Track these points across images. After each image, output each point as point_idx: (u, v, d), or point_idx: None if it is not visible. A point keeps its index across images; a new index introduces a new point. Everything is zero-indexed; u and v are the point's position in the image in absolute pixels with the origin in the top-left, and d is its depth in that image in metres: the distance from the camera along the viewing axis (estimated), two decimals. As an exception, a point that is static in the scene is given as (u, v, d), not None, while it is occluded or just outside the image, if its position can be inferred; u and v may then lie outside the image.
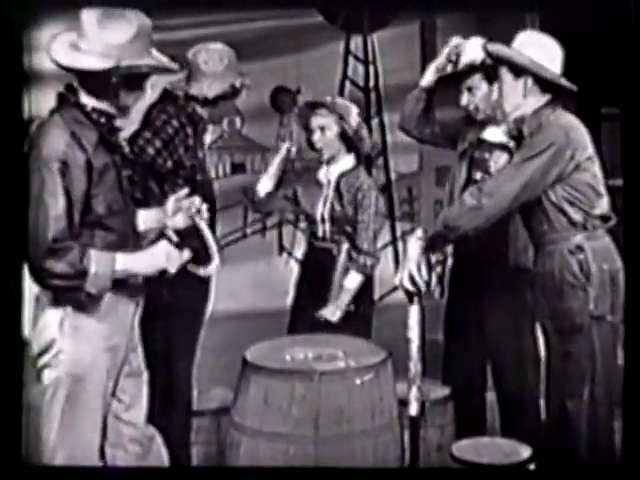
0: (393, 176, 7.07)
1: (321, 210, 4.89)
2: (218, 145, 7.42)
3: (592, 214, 3.87)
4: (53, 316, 3.46)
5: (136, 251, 3.56)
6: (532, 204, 3.91)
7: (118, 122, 3.61)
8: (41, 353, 3.46)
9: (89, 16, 3.41)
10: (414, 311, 3.90)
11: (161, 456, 3.84)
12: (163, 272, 3.58)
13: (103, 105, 3.50)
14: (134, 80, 3.51)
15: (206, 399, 4.54)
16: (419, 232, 3.92)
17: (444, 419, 4.42)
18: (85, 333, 3.48)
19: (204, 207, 3.83)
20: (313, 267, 4.96)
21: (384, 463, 3.82)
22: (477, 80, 4.62)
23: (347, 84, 7.85)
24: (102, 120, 3.50)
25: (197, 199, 3.83)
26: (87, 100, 3.49)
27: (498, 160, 4.55)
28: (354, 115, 4.90)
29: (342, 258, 4.87)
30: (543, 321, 4.07)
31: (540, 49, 3.93)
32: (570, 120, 3.92)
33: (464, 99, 4.68)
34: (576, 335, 3.85)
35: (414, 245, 3.91)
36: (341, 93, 7.85)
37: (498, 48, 4.06)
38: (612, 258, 3.87)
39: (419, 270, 3.90)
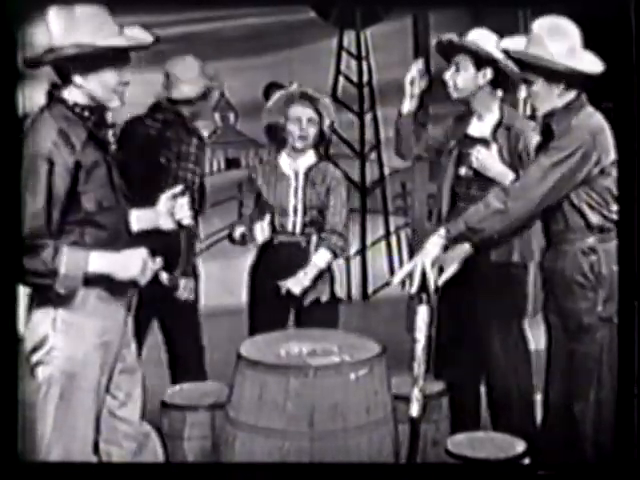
0: (386, 171, 7.09)
1: (293, 201, 4.90)
2: (212, 140, 7.43)
3: (609, 217, 3.85)
4: (45, 313, 3.46)
5: (114, 251, 3.52)
6: (552, 205, 3.90)
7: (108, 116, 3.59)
8: (34, 350, 3.47)
9: (51, 12, 3.39)
10: (423, 311, 3.86)
11: (157, 453, 3.84)
12: (134, 282, 3.55)
13: (78, 98, 3.47)
14: (86, 66, 3.44)
15: (201, 394, 4.54)
16: (442, 231, 3.89)
17: (439, 414, 4.43)
18: (77, 329, 3.47)
19: (188, 213, 3.84)
20: (275, 262, 4.91)
21: (379, 458, 3.81)
22: (466, 60, 4.62)
23: (340, 79, 7.88)
24: (86, 114, 3.48)
25: (186, 200, 3.83)
26: (70, 96, 3.47)
27: (479, 155, 4.55)
28: (332, 115, 4.98)
29: (312, 248, 4.89)
30: (548, 316, 4.07)
31: (561, 38, 3.82)
32: (598, 121, 3.86)
33: (448, 74, 4.68)
34: (582, 335, 3.85)
35: (435, 243, 3.88)
36: (334, 89, 7.88)
37: (535, 56, 3.87)
38: None
39: (432, 268, 3.88)
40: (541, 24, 3.86)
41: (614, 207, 3.86)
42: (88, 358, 3.49)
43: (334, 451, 3.73)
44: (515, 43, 3.97)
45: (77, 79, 3.45)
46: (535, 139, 4.45)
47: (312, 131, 4.88)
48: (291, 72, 7.22)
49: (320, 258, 4.85)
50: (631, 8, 3.57)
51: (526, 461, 3.87)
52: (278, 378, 3.76)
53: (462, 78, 4.63)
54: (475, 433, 4.13)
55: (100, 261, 3.42)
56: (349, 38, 7.63)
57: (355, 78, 8.04)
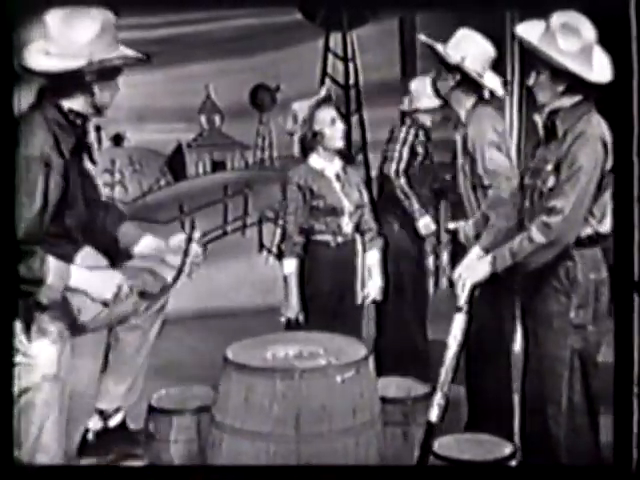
0: (373, 173, 7.05)
1: (346, 203, 4.94)
2: (198, 143, 7.42)
3: (600, 232, 3.83)
4: (20, 320, 3.42)
5: (95, 269, 3.49)
6: None
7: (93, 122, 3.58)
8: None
9: (53, 18, 3.34)
10: (460, 319, 3.87)
11: None
12: (105, 304, 3.51)
13: (79, 106, 3.45)
14: (107, 76, 3.47)
15: (187, 397, 4.53)
16: (489, 258, 3.90)
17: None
18: (51, 335, 3.44)
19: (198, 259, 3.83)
20: (334, 263, 4.94)
21: (366, 460, 3.82)
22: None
23: (327, 81, 7.86)
24: (78, 122, 3.44)
25: (199, 251, 3.83)
26: (68, 102, 3.44)
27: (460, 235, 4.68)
28: None
29: (358, 247, 5.03)
30: (524, 317, 4.07)
31: (574, 37, 3.74)
32: (605, 129, 3.80)
33: (431, 74, 4.86)
34: (551, 338, 3.85)
35: (485, 270, 3.90)
36: (321, 90, 7.86)
37: (541, 50, 3.79)
38: (599, 268, 3.84)
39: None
40: (558, 18, 3.78)
41: (605, 221, 3.85)
42: (66, 361, 3.46)
43: (320, 453, 3.73)
44: (533, 28, 3.88)
45: (96, 88, 3.45)
46: (486, 136, 4.60)
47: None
48: (277, 74, 7.23)
49: (374, 258, 5.03)
50: (631, 8, 3.56)
51: (513, 463, 3.87)
52: (264, 381, 3.76)
53: (440, 79, 4.75)
54: (462, 435, 4.12)
55: (80, 277, 3.38)
56: (335, 40, 7.62)
57: (341, 80, 8.04)
